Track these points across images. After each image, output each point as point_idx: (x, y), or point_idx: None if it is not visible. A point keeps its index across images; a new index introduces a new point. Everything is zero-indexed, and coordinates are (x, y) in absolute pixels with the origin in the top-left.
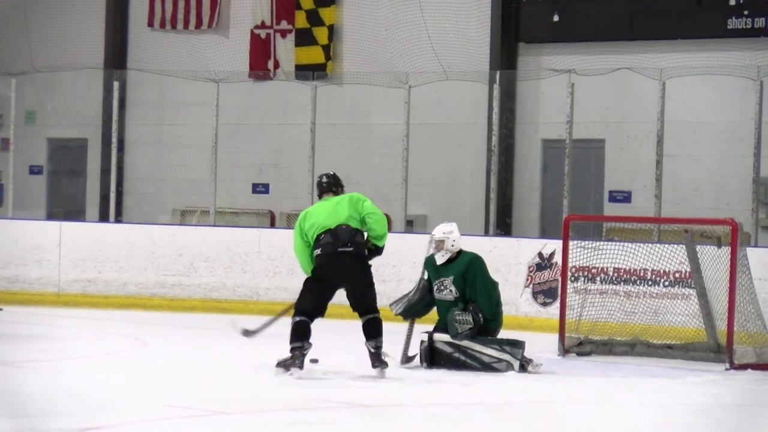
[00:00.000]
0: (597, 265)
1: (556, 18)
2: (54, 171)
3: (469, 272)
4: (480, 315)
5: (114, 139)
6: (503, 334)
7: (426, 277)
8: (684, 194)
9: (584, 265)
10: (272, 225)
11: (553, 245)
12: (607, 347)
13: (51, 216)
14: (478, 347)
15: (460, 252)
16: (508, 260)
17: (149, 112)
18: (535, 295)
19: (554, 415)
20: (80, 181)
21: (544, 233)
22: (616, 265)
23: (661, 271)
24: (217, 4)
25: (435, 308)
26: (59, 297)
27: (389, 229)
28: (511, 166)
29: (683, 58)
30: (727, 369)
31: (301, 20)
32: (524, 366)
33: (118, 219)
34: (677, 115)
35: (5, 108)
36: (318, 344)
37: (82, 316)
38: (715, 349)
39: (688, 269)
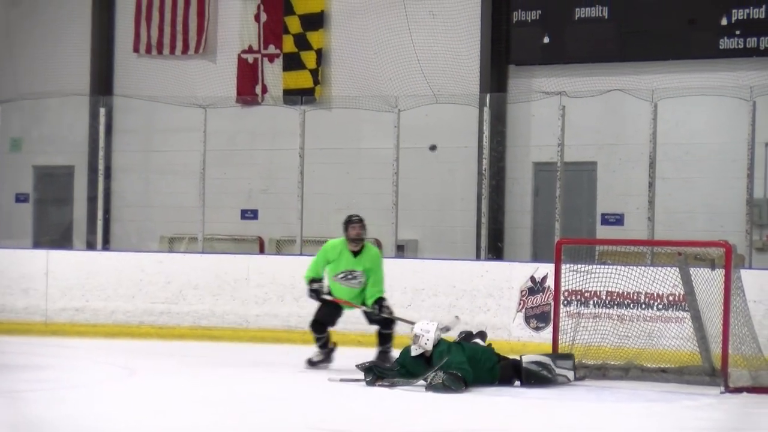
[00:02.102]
0: (590, 289)
1: (546, 40)
2: (40, 199)
3: (445, 361)
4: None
5: (101, 166)
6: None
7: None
8: (677, 216)
9: (577, 288)
10: (261, 251)
11: (546, 269)
12: (600, 372)
13: (38, 244)
14: (551, 363)
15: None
16: (500, 284)
17: (136, 138)
18: (527, 319)
19: None
20: (67, 209)
21: (536, 257)
22: (609, 289)
23: (655, 294)
24: (203, 29)
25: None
26: (47, 326)
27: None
28: (502, 189)
29: (675, 78)
30: (722, 392)
31: (288, 45)
32: (575, 375)
33: (106, 247)
34: (670, 136)
35: None
36: (312, 371)
37: (69, 345)
38: (710, 373)
39: (682, 292)
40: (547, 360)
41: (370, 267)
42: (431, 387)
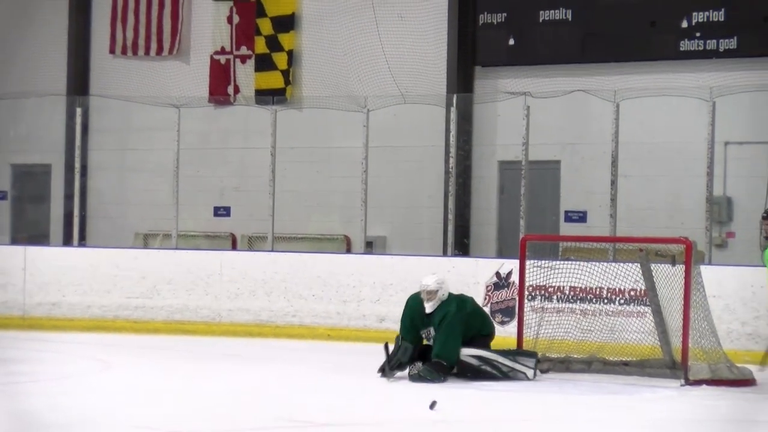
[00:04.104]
0: (553, 284)
1: (511, 42)
2: (18, 196)
3: (441, 323)
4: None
5: (77, 165)
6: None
7: (402, 327)
8: (639, 214)
9: (541, 284)
10: (234, 247)
11: (511, 265)
12: (564, 365)
13: (15, 241)
14: (500, 359)
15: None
16: (466, 280)
17: (112, 137)
18: (493, 314)
19: None
20: (44, 206)
21: (502, 253)
22: (573, 284)
23: (617, 290)
24: (177, 31)
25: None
26: (24, 320)
27: (348, 250)
28: (468, 187)
29: (637, 79)
30: (682, 385)
31: (260, 46)
32: (535, 374)
33: (82, 243)
34: (632, 135)
35: None
36: (283, 364)
37: (47, 339)
38: (671, 366)
39: (644, 287)
40: (491, 355)
41: None
42: (411, 377)
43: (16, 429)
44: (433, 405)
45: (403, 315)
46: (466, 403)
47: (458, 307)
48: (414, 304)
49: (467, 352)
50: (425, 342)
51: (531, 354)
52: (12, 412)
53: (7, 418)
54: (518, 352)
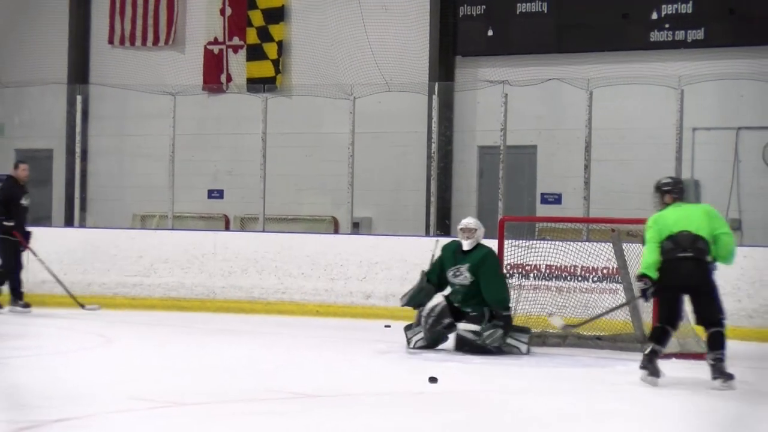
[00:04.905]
0: (530, 263)
1: (490, 32)
2: None
3: (482, 265)
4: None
5: (78, 150)
6: None
7: (430, 268)
8: (611, 196)
9: (519, 262)
10: (227, 228)
11: (490, 244)
12: (540, 339)
13: None
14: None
15: (476, 245)
16: None
17: (110, 124)
18: None
19: (491, 403)
20: (47, 190)
21: None
22: (549, 263)
23: (590, 268)
24: (173, 22)
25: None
26: (28, 298)
27: (336, 231)
28: (449, 171)
29: (609, 69)
30: None
31: (252, 36)
32: (529, 349)
33: (82, 224)
34: (604, 122)
35: None
36: (273, 339)
37: (49, 315)
38: (642, 340)
39: (616, 266)
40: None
41: None
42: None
43: (18, 400)
44: (432, 380)
45: (437, 257)
46: (446, 375)
47: (491, 253)
48: (447, 250)
49: (465, 327)
50: (453, 280)
51: (525, 329)
52: (14, 385)
53: (10, 390)
54: (513, 328)
